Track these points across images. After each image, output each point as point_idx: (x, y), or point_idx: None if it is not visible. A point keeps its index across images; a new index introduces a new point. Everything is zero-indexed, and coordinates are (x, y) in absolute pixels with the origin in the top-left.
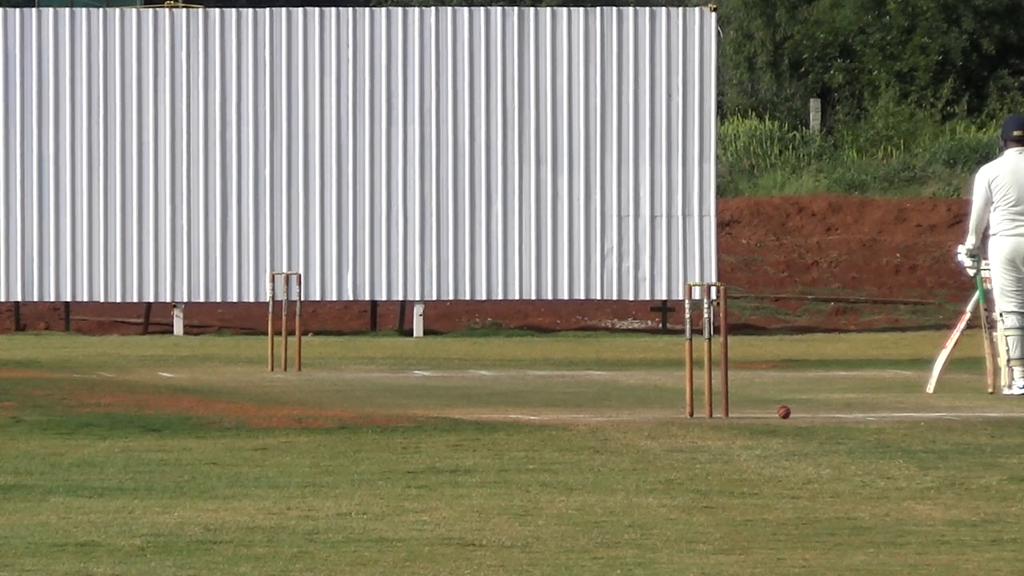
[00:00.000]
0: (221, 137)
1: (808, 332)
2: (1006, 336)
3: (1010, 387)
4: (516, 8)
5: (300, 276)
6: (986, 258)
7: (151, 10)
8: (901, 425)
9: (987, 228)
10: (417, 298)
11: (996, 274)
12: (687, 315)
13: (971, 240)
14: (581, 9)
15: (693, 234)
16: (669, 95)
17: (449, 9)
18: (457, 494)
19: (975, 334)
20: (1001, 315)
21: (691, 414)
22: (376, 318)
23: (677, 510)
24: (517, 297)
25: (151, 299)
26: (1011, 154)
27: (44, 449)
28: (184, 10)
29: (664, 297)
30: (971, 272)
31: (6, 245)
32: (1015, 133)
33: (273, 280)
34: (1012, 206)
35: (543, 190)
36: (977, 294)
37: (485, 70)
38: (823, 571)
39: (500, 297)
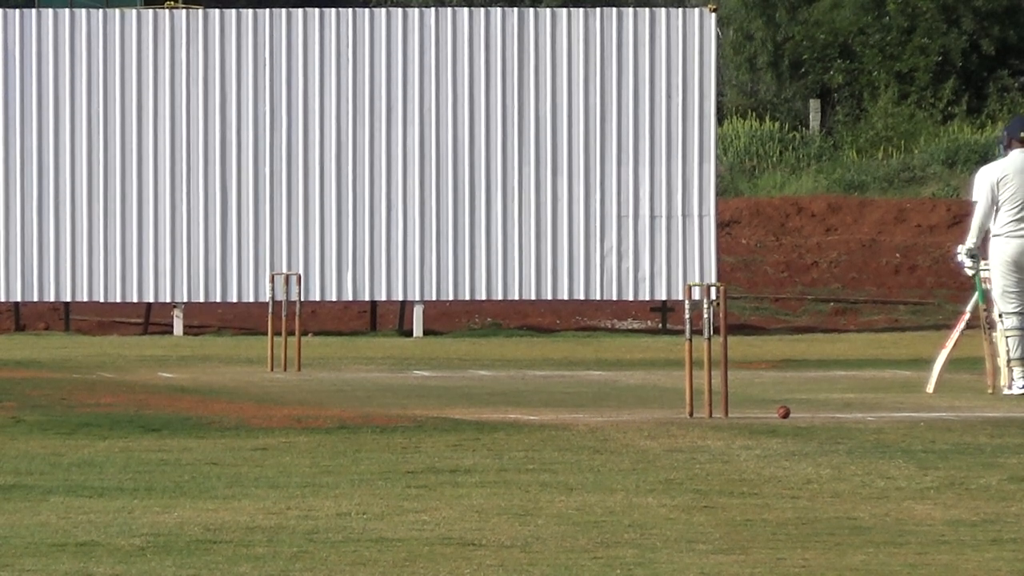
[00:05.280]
0: (221, 137)
1: (808, 332)
2: (1006, 337)
3: (1010, 387)
4: (516, 8)
5: (300, 276)
6: (985, 258)
7: (151, 10)
8: (901, 425)
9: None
10: (417, 298)
11: (998, 275)
12: (687, 315)
13: (972, 240)
14: (581, 9)
15: (693, 234)
16: (669, 95)
17: (449, 9)
18: (457, 494)
19: (975, 334)
20: (1001, 316)
21: (691, 414)
22: (376, 318)
23: (677, 510)
24: (517, 297)
25: (151, 299)
26: (1017, 154)
27: (44, 449)
28: (184, 10)
29: (664, 297)
30: (970, 272)
31: (6, 245)
32: (1023, 134)
33: (273, 280)
34: (1019, 207)
35: (543, 190)
36: (976, 294)
37: (485, 70)
38: (823, 571)
39: (500, 297)
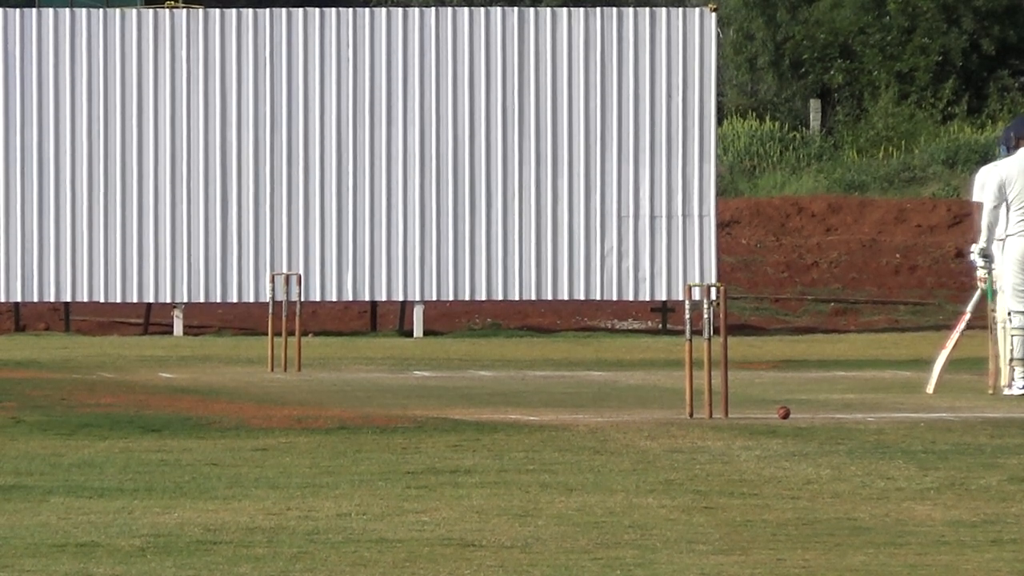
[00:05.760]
0: (221, 137)
1: (808, 332)
2: (1012, 336)
3: (1010, 387)
4: (516, 8)
5: (300, 276)
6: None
7: (151, 10)
8: (901, 426)
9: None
10: (417, 298)
11: (1009, 273)
12: (687, 315)
13: (983, 240)
14: (581, 9)
15: (693, 234)
16: (669, 95)
17: (449, 9)
18: (457, 495)
19: (975, 334)
20: (1010, 314)
21: (691, 414)
22: (376, 318)
23: (677, 510)
24: (517, 297)
25: (151, 299)
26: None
27: (44, 449)
28: (184, 10)
29: (664, 297)
30: (982, 272)
31: (6, 245)
32: None
33: (273, 280)
34: None
35: (543, 190)
36: (977, 294)
37: (485, 70)
38: (823, 571)
39: (500, 297)
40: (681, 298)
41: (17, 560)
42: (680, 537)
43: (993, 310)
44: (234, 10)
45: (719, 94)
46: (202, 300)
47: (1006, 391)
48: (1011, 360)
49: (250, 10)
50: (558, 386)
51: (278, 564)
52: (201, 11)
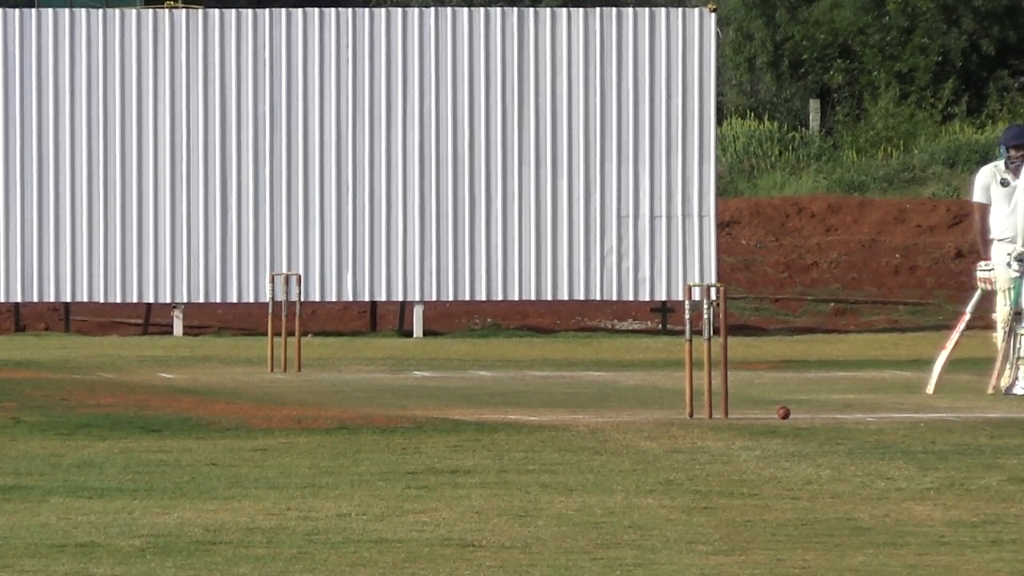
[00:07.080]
0: (221, 137)
1: (808, 333)
2: (1020, 335)
3: (1012, 386)
4: (516, 8)
5: (300, 277)
6: (988, 258)
7: (151, 10)
8: (901, 426)
9: (989, 232)
10: (417, 298)
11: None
12: (687, 316)
13: (1021, 243)
14: (581, 9)
15: (693, 234)
16: (669, 96)
17: (449, 9)
18: (457, 495)
19: (975, 335)
20: (1020, 314)
21: (691, 415)
22: (376, 319)
23: (677, 511)
24: (517, 298)
25: (151, 300)
26: None
27: (44, 450)
28: (184, 10)
29: (664, 298)
30: (1016, 275)
31: (6, 245)
32: None
33: (273, 281)
34: None
35: (543, 190)
36: (977, 294)
37: (485, 70)
38: (823, 571)
39: (500, 298)
40: (681, 298)
41: (17, 560)
42: (680, 537)
43: (1019, 312)
44: (234, 10)
45: (719, 94)
46: (202, 300)
47: (1015, 390)
48: (1018, 359)
49: (250, 10)
50: (558, 386)
51: (278, 564)
52: (201, 11)
